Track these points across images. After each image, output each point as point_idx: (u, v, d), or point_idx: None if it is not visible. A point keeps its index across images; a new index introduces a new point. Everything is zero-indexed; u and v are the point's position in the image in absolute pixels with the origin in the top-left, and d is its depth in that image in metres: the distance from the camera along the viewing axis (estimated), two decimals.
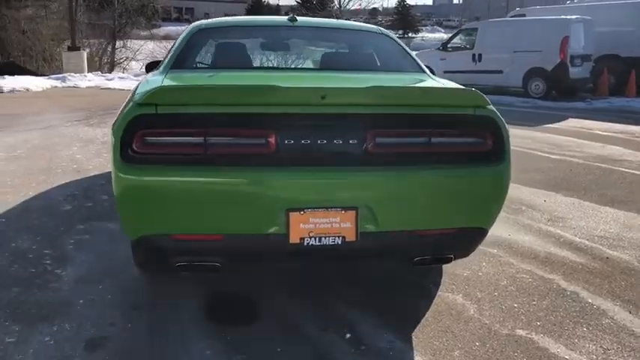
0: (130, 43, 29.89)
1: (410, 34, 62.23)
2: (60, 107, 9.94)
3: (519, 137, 8.27)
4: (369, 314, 2.86)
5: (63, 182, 5.22)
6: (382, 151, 2.48)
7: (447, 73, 14.33)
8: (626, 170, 6.25)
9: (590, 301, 3.06)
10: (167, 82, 2.70)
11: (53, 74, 15.69)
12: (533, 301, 3.05)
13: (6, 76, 13.48)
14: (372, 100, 2.47)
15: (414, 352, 2.53)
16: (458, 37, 14.86)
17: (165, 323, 2.73)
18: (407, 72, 3.44)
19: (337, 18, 25.24)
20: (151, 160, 2.35)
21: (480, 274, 3.39)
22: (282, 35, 3.92)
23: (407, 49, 3.68)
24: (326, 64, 3.72)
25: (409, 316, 2.86)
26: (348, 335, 2.65)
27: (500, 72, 13.51)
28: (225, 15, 72.23)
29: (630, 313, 2.93)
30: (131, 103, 2.41)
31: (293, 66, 4.02)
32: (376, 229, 2.50)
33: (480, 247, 3.68)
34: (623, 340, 2.66)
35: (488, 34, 13.83)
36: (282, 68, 3.76)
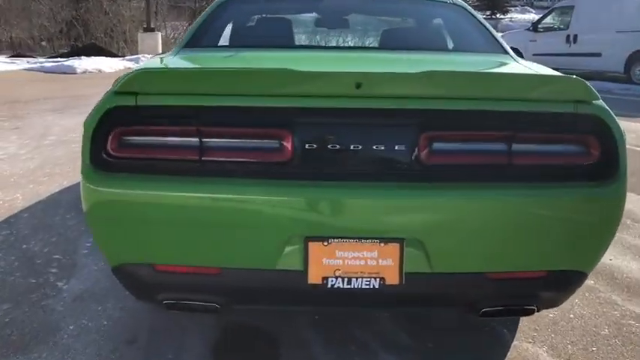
0: None
1: (498, 15, 59.28)
2: None
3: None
4: None
5: None
6: (441, 162, 1.79)
7: (537, 56, 13.13)
8: None
9: None
10: (158, 63, 2.11)
11: (131, 56, 15.77)
12: None
13: (82, 57, 13.61)
14: (428, 90, 1.77)
15: None
16: (550, 17, 13.53)
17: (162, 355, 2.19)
18: (484, 53, 2.69)
19: None
20: (129, 168, 1.78)
21: (572, 316, 2.62)
22: (330, 6, 3.23)
23: (486, 24, 2.90)
24: (383, 43, 3.01)
25: None
26: None
27: (599, 55, 12.14)
28: None
29: None
30: (108, 92, 1.84)
31: (342, 44, 3.33)
32: (429, 269, 1.82)
33: None
34: None
35: (587, 13, 12.44)
36: (325, 47, 3.10)
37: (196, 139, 1.77)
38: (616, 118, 1.85)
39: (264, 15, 3.13)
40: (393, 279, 1.80)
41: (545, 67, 2.31)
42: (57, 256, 3.15)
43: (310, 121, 1.77)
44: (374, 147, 1.77)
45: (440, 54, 2.67)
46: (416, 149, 1.77)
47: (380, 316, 2.56)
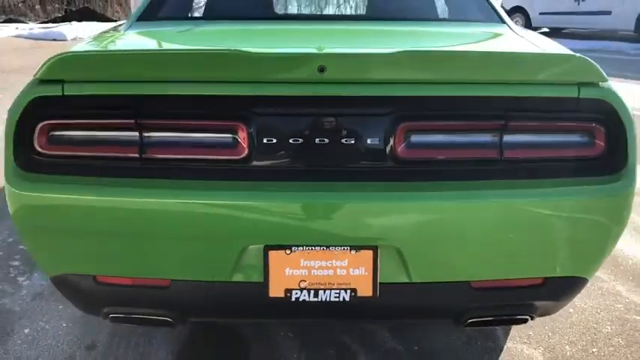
0: None
1: None
2: None
3: (634, 94, 6.87)
4: None
5: None
6: (420, 158, 1.55)
7: (544, 15, 12.67)
8: None
9: None
10: (92, 45, 1.84)
11: (124, 20, 15.33)
12: None
13: (74, 23, 13.21)
14: (404, 74, 1.51)
15: None
16: None
17: None
18: (478, 23, 2.39)
19: None
20: (58, 169, 1.54)
21: (571, 310, 2.40)
22: None
23: None
24: (365, 11, 2.72)
25: None
26: None
27: (609, 13, 11.65)
28: None
29: None
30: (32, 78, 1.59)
31: (314, 12, 3.04)
32: (407, 279, 1.59)
33: None
34: None
35: None
36: (292, 17, 2.82)
37: (136, 134, 1.52)
38: (626, 103, 1.59)
39: None
40: (366, 290, 1.58)
41: (545, 39, 2.03)
42: (21, 247, 2.94)
43: (268, 112, 1.52)
44: (342, 141, 1.52)
45: (427, 25, 2.37)
46: (391, 143, 1.52)
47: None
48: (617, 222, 1.61)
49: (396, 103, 1.52)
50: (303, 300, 1.58)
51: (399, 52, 1.48)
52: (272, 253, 1.55)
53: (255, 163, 1.53)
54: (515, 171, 1.56)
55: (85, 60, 1.60)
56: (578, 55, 1.59)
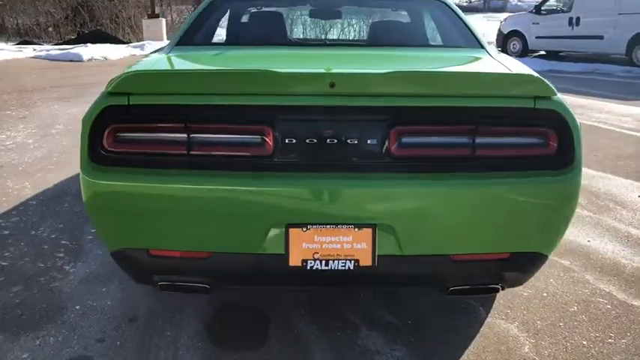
0: None
1: None
2: None
3: (616, 114, 7.31)
4: (399, 342, 2.36)
5: None
6: (409, 154, 1.96)
7: (540, 39, 13.16)
8: None
9: None
10: (149, 65, 2.28)
11: (136, 42, 15.90)
12: (609, 337, 2.43)
13: (88, 45, 13.75)
14: (395, 89, 1.93)
15: None
16: None
17: (158, 340, 2.38)
18: (460, 48, 2.82)
19: None
20: (123, 162, 1.96)
21: (545, 294, 2.79)
22: (315, 3, 3.38)
23: (464, 18, 3.03)
24: (366, 39, 3.15)
25: (446, 343, 2.34)
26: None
27: (601, 37, 12.16)
28: None
29: None
30: (102, 92, 2.01)
31: (324, 39, 3.49)
32: (399, 252, 1.99)
33: (553, 258, 3.12)
34: None
35: None
36: (307, 43, 3.25)
37: (185, 135, 1.93)
38: (572, 110, 2.00)
39: (256, 9, 3.28)
40: (366, 261, 1.97)
41: (513, 61, 2.45)
42: (64, 242, 3.35)
43: (290, 118, 1.93)
44: (348, 141, 1.93)
45: (417, 50, 2.81)
46: (386, 143, 1.93)
47: (366, 298, 2.74)
48: (568, 206, 2.01)
49: (390, 111, 1.93)
50: (316, 268, 1.98)
51: (391, 72, 1.90)
52: (292, 230, 1.95)
53: (278, 158, 1.94)
54: (485, 165, 1.96)
55: (145, 78, 2.02)
56: (535, 75, 2.00)
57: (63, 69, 11.01)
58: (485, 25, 22.27)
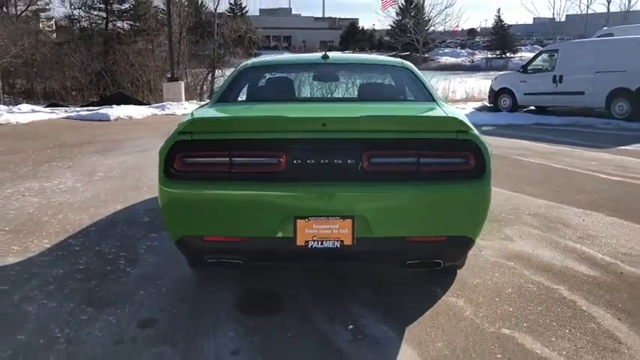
0: (228, 71, 31.77)
1: (508, 54, 61.12)
2: (155, 133, 11.05)
3: (585, 159, 8.30)
4: (375, 311, 3.29)
5: (147, 198, 6.03)
6: (376, 170, 2.95)
7: (527, 95, 14.32)
8: None
9: (584, 308, 3.31)
10: (204, 114, 3.33)
11: (155, 103, 17.25)
12: (530, 306, 3.35)
13: (114, 106, 15.06)
14: (364, 127, 2.95)
15: (403, 341, 2.94)
16: (539, 59, 14.75)
17: (203, 311, 3.32)
18: (417, 102, 3.88)
19: (429, 42, 25.41)
20: (187, 177, 2.97)
21: (490, 282, 3.71)
22: (315, 71, 4.49)
23: (423, 80, 4.10)
24: (349, 95, 4.23)
25: (410, 314, 3.25)
26: (350, 327, 3.11)
27: (582, 93, 13.28)
28: (321, 42, 73.28)
29: (619, 320, 3.16)
30: (173, 132, 3.05)
31: (322, 96, 4.54)
32: (370, 235, 2.96)
33: (501, 260, 4.05)
34: (599, 341, 2.92)
35: (570, 55, 13.65)
36: (309, 99, 4.28)
37: (227, 159, 2.95)
38: (483, 140, 3.00)
39: (271, 76, 4.39)
40: (348, 241, 2.94)
41: (453, 110, 3.48)
42: (123, 254, 4.32)
43: (296, 147, 2.94)
44: (335, 161, 2.94)
45: (387, 103, 3.87)
46: (360, 162, 2.93)
47: (354, 285, 3.68)
48: (483, 203, 3.00)
49: (363, 141, 2.94)
50: (315, 247, 2.94)
51: (362, 116, 2.94)
52: (298, 221, 2.93)
53: (289, 173, 2.94)
54: (428, 176, 2.95)
55: (202, 122, 3.07)
56: (458, 117, 3.02)
57: (93, 127, 12.23)
58: (483, 83, 23.74)
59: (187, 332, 3.08)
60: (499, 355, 2.80)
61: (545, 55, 14.67)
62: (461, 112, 3.47)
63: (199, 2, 37.73)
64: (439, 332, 3.04)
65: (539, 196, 6.02)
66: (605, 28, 17.34)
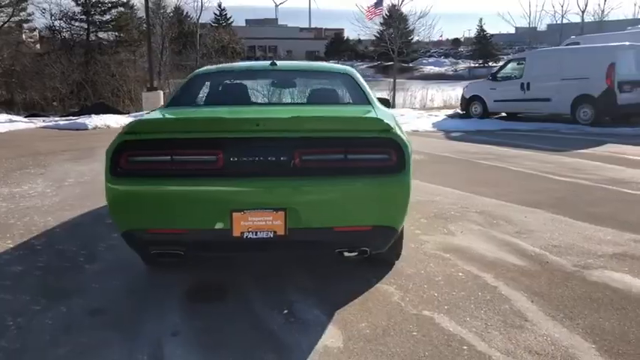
0: None
1: (490, 63, 62.01)
2: None
3: (543, 162, 8.64)
4: (311, 297, 3.55)
5: None
6: (306, 166, 3.22)
7: (497, 102, 14.72)
8: (628, 191, 6.52)
9: (503, 293, 3.59)
10: (149, 116, 3.59)
11: (135, 113, 17.45)
12: (454, 291, 3.62)
13: (92, 115, 15.26)
14: (295, 127, 3.23)
15: (330, 323, 3.20)
16: (508, 67, 15.18)
17: (151, 301, 3.56)
18: (355, 104, 4.17)
19: (403, 51, 25.81)
20: (131, 174, 3.22)
21: (423, 272, 3.99)
22: (263, 77, 4.78)
23: (362, 85, 4.40)
24: (292, 99, 4.52)
25: (342, 300, 3.51)
26: (285, 311, 3.36)
27: (549, 100, 13.69)
28: (307, 52, 73.61)
29: (532, 302, 3.45)
30: (119, 133, 3.30)
31: (268, 100, 4.82)
32: (302, 225, 3.23)
33: (438, 252, 4.34)
34: (508, 319, 3.20)
35: (536, 63, 14.09)
36: (254, 103, 4.54)
37: (169, 157, 3.21)
38: (405, 138, 3.29)
39: (222, 82, 4.66)
40: (281, 232, 3.20)
41: (383, 112, 3.76)
42: (83, 252, 4.55)
43: (233, 145, 3.20)
44: (268, 158, 3.20)
45: (326, 106, 4.15)
46: (292, 158, 3.19)
47: (295, 274, 3.94)
48: (403, 196, 3.28)
49: (294, 140, 3.20)
50: (250, 237, 3.20)
51: (291, 116, 3.21)
52: (234, 214, 3.19)
53: (226, 169, 3.20)
54: (355, 171, 3.22)
55: (146, 123, 3.33)
56: (380, 119, 3.29)
57: (71, 136, 12.42)
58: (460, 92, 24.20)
59: (134, 319, 3.31)
60: (415, 333, 3.07)
61: (513, 64, 15.12)
62: (391, 114, 3.77)
63: (184, 13, 38.11)
64: (365, 314, 3.31)
65: (491, 195, 6.33)
66: (572, 37, 17.85)
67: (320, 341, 3.00)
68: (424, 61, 66.40)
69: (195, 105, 4.33)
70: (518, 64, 14.82)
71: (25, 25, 34.06)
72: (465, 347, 2.91)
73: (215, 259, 4.15)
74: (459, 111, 16.34)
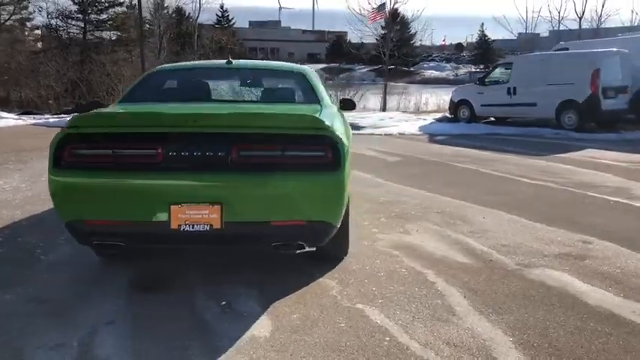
0: None
1: (491, 68, 62.13)
2: None
3: (518, 165, 8.73)
4: (253, 290, 3.64)
5: None
6: (243, 161, 3.31)
7: (484, 107, 14.81)
8: (594, 195, 6.60)
9: (439, 288, 3.68)
10: (94, 111, 3.69)
11: None
12: (392, 286, 3.71)
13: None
14: (231, 123, 3.33)
15: (264, 314, 3.29)
16: (495, 72, 15.28)
17: (96, 290, 3.66)
18: (303, 103, 4.26)
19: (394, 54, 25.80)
20: (73, 167, 3.32)
21: (367, 267, 4.08)
22: (219, 75, 4.89)
23: (314, 84, 4.49)
24: (243, 97, 4.64)
25: (282, 293, 3.60)
26: (223, 303, 3.46)
27: (534, 105, 13.77)
28: (308, 54, 73.72)
29: (464, 297, 3.54)
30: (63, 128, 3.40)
31: (220, 97, 4.89)
32: (237, 219, 3.32)
33: (388, 249, 4.42)
34: (437, 314, 3.30)
35: (523, 68, 14.18)
36: (204, 99, 4.57)
37: (110, 151, 3.30)
38: (340, 136, 3.38)
39: (176, 79, 4.79)
40: (217, 225, 3.30)
41: (327, 113, 3.85)
42: (42, 244, 4.64)
43: (172, 140, 3.30)
44: (207, 153, 3.29)
45: (271, 104, 4.26)
46: (230, 154, 3.29)
47: (242, 267, 4.03)
48: (338, 192, 3.37)
49: (231, 135, 3.30)
50: (187, 230, 3.30)
51: (227, 113, 3.31)
52: (172, 207, 3.28)
53: (165, 164, 3.29)
54: (288, 167, 3.31)
55: (87, 118, 3.43)
56: (318, 118, 3.38)
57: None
58: None
59: (75, 307, 3.41)
60: (342, 324, 3.16)
61: (501, 68, 15.22)
62: (337, 114, 3.87)
63: (185, 14, 38.28)
64: (300, 307, 3.40)
65: (456, 197, 6.42)
66: (561, 42, 17.91)
67: (249, 331, 3.09)
68: (425, 66, 66.58)
69: (146, 101, 4.41)
70: (505, 68, 14.91)
71: (28, 24, 34.39)
72: (388, 338, 3.00)
73: (169, 252, 4.25)
74: (448, 115, 16.42)
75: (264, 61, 6.06)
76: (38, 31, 32.97)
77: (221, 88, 4.72)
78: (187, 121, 3.30)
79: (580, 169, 8.48)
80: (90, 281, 3.85)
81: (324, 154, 3.35)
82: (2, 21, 32.54)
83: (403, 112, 19.78)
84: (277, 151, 3.33)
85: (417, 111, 21.74)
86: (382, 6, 27.81)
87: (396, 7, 22.58)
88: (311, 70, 4.82)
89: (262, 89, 4.89)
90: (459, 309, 3.36)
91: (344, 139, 3.42)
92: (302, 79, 4.59)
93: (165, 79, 4.75)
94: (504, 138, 12.55)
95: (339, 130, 3.56)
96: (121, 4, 27.01)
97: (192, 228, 3.31)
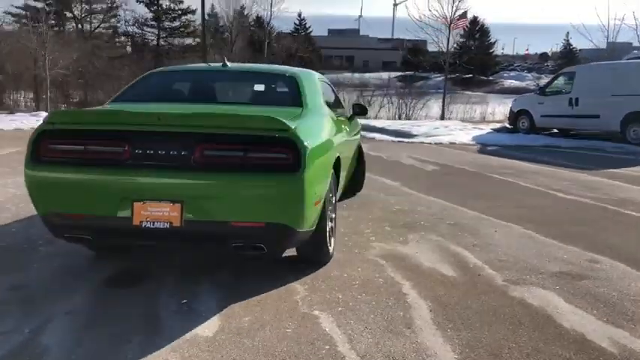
0: None
1: (491, 78, 59.87)
2: None
3: (559, 179, 8.32)
4: (221, 291, 3.65)
5: None
6: (205, 161, 3.34)
7: (544, 117, 14.19)
8: (629, 212, 6.17)
9: (408, 300, 3.53)
10: (73, 109, 3.82)
11: None
12: (360, 295, 3.61)
13: None
14: (194, 123, 3.36)
15: (217, 314, 3.29)
16: (557, 81, 14.62)
17: (72, 282, 3.79)
18: (285, 106, 4.22)
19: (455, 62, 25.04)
20: (48, 162, 3.46)
21: (345, 275, 3.98)
22: (211, 77, 4.96)
23: (304, 89, 4.44)
24: (231, 98, 4.68)
25: (247, 294, 3.58)
26: (184, 301, 3.48)
27: (598, 116, 13.07)
28: (383, 62, 73.51)
29: (431, 311, 3.38)
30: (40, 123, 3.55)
31: (212, 99, 4.88)
32: (197, 218, 3.34)
33: (376, 258, 4.33)
34: (392, 326, 3.16)
35: (586, 78, 13.50)
36: (193, 100, 4.59)
37: (82, 147, 3.42)
38: (304, 139, 3.33)
39: (171, 80, 4.90)
40: (177, 223, 3.33)
41: (306, 116, 3.80)
42: (47, 236, 4.85)
43: (138, 138, 3.37)
44: (170, 152, 3.34)
45: (247, 106, 4.26)
46: (192, 153, 3.32)
47: (219, 271, 4.05)
48: (298, 195, 3.32)
49: (195, 135, 3.33)
50: (148, 227, 3.35)
51: (191, 113, 3.34)
52: (135, 203, 3.35)
53: (131, 161, 3.37)
54: (253, 167, 3.30)
55: (63, 114, 3.58)
56: (281, 120, 3.33)
57: None
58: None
59: (46, 296, 3.54)
60: (289, 330, 3.10)
61: (563, 77, 14.55)
62: (309, 117, 3.86)
63: (264, 22, 39.25)
64: (257, 309, 3.36)
65: (477, 209, 6.17)
66: (635, 52, 16.89)
67: (193, 330, 3.09)
68: (505, 75, 64.88)
69: (133, 101, 4.50)
70: (568, 78, 14.23)
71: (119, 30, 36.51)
72: (327, 347, 2.91)
73: (158, 252, 4.35)
74: (508, 125, 15.86)
75: (259, 65, 6.06)
76: (128, 39, 34.91)
77: (210, 89, 4.77)
78: (152, 119, 3.36)
79: (627, 185, 7.95)
80: (73, 273, 3.99)
81: (284, 155, 3.31)
82: (93, 28, 34.77)
83: (462, 121, 19.25)
84: (239, 151, 3.32)
85: (482, 120, 21.15)
86: (464, 14, 27.28)
87: (453, 13, 21.98)
88: (308, 76, 4.79)
89: (250, 92, 4.92)
90: (418, 322, 3.22)
91: (310, 142, 3.37)
92: (292, 82, 4.57)
93: (158, 81, 4.87)
94: (561, 151, 11.98)
95: (309, 132, 3.52)
96: (193, 12, 28.00)
97: (153, 225, 3.36)
